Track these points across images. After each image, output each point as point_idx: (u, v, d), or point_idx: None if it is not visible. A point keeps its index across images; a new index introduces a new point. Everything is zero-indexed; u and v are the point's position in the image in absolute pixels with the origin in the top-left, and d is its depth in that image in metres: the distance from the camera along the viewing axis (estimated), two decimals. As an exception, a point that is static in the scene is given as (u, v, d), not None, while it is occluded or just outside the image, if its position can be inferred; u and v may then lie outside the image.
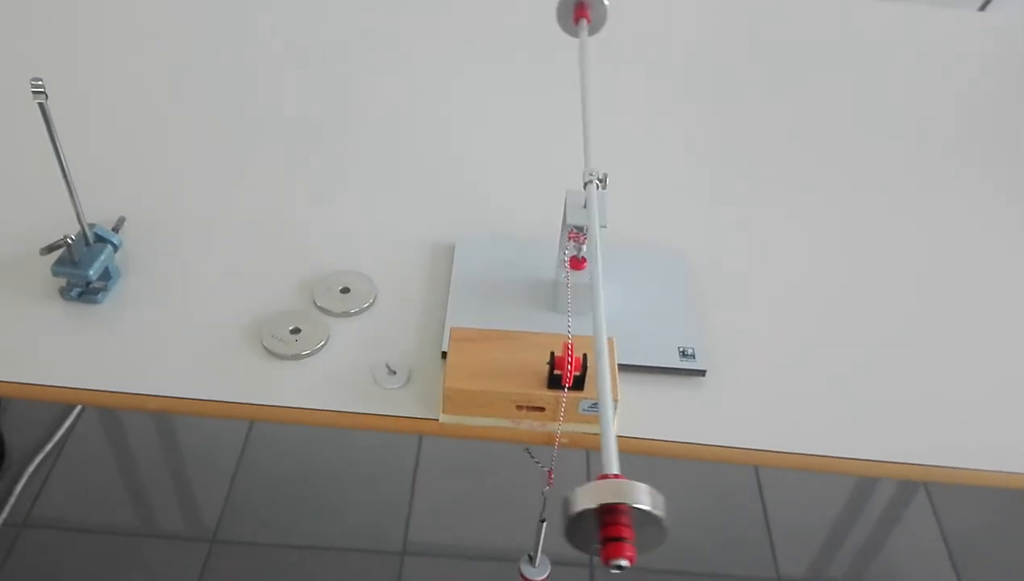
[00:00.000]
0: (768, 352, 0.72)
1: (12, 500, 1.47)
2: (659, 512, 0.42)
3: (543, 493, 0.67)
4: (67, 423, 1.60)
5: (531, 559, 0.72)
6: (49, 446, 1.55)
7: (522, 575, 0.71)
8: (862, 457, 0.65)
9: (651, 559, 1.46)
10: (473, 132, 0.94)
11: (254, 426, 1.63)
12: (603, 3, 0.75)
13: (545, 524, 0.70)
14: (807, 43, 1.13)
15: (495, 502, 1.53)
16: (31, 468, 1.51)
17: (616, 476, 0.44)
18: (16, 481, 1.49)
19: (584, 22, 0.75)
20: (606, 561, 0.41)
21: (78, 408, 1.62)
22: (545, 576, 0.71)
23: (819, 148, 0.96)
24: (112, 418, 1.65)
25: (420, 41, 1.09)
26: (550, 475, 0.66)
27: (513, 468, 1.58)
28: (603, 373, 0.51)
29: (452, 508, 1.52)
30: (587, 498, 0.42)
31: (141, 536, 1.45)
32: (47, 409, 1.62)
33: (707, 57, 1.10)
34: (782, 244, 0.83)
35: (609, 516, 0.41)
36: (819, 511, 1.56)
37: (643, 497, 0.42)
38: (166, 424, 1.65)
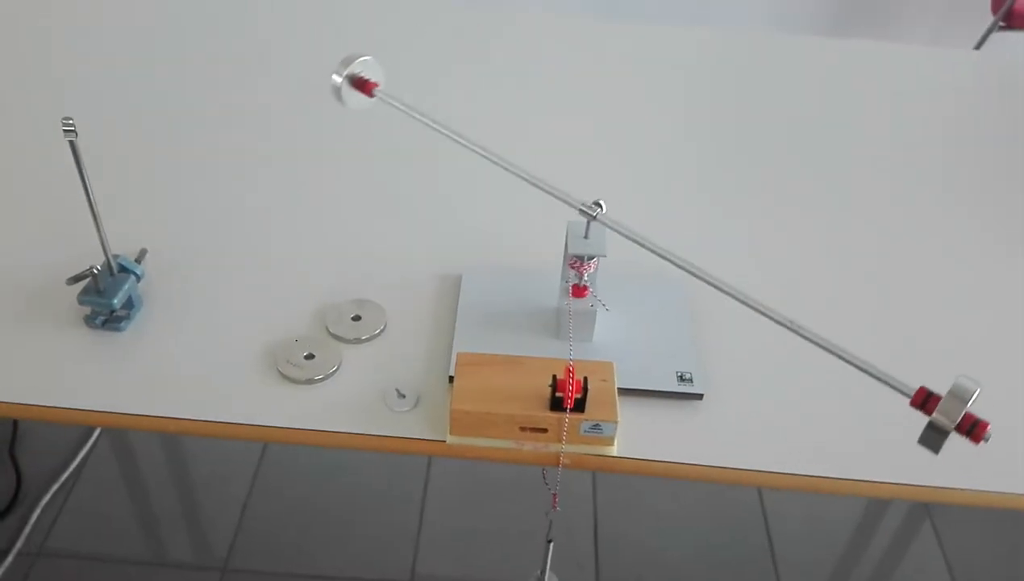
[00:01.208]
0: (764, 376, 0.75)
1: (27, 530, 1.49)
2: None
3: (548, 515, 0.70)
4: (82, 453, 1.62)
5: (539, 579, 0.74)
6: (64, 476, 1.58)
7: None
8: (857, 478, 0.67)
9: (657, 588, 1.47)
10: (480, 167, 0.98)
11: (265, 455, 1.65)
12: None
13: (552, 544, 0.72)
14: (810, 80, 1.17)
15: (502, 531, 1.54)
16: (46, 499, 1.54)
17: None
18: (31, 511, 1.52)
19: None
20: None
21: (93, 438, 1.65)
22: None
23: (817, 179, 0.99)
24: (125, 449, 1.67)
25: (433, 78, 1.13)
26: (554, 499, 0.69)
27: (519, 498, 1.59)
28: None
29: (459, 536, 1.53)
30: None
31: (154, 565, 1.47)
32: (62, 440, 1.65)
33: (706, 89, 1.14)
34: (780, 269, 0.86)
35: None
36: (825, 544, 1.57)
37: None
38: (178, 455, 1.67)
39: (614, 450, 0.67)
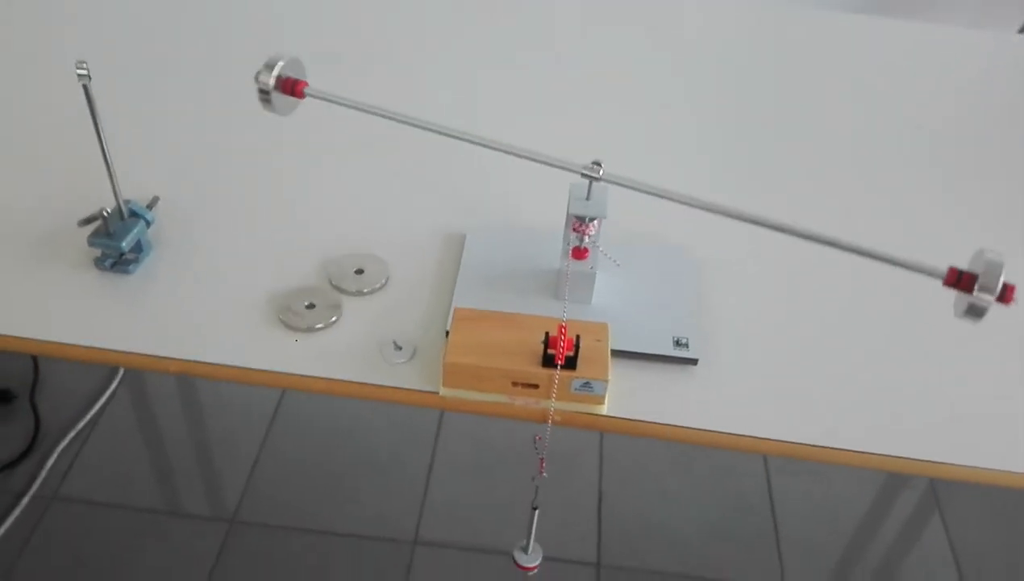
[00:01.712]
0: (761, 344, 0.75)
1: (43, 474, 1.53)
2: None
3: (534, 480, 0.70)
4: (100, 402, 1.66)
5: (524, 547, 0.74)
6: (81, 424, 1.62)
7: (515, 562, 0.74)
8: (849, 448, 0.67)
9: (653, 559, 1.48)
10: (488, 128, 0.99)
11: (278, 414, 1.68)
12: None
13: (537, 511, 0.72)
14: (826, 55, 1.16)
15: (506, 499, 1.56)
16: (63, 444, 1.58)
17: None
18: (48, 456, 1.56)
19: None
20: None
21: (112, 387, 1.69)
22: (537, 563, 0.74)
23: (821, 150, 0.98)
24: (143, 400, 1.71)
25: (439, 41, 1.13)
26: (541, 464, 0.69)
27: (524, 468, 1.61)
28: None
29: (464, 503, 1.55)
30: None
31: (164, 514, 1.51)
32: (81, 388, 1.69)
33: (717, 59, 1.13)
34: (779, 239, 0.86)
35: None
36: (830, 528, 1.56)
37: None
38: (194, 408, 1.71)
39: (604, 409, 0.67)
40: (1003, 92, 1.13)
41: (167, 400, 1.72)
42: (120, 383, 1.71)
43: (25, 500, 1.49)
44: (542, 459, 0.70)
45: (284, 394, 1.72)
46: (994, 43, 1.23)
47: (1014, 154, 1.01)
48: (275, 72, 0.69)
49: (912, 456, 0.67)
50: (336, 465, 1.60)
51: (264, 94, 0.70)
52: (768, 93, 1.09)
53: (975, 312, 0.58)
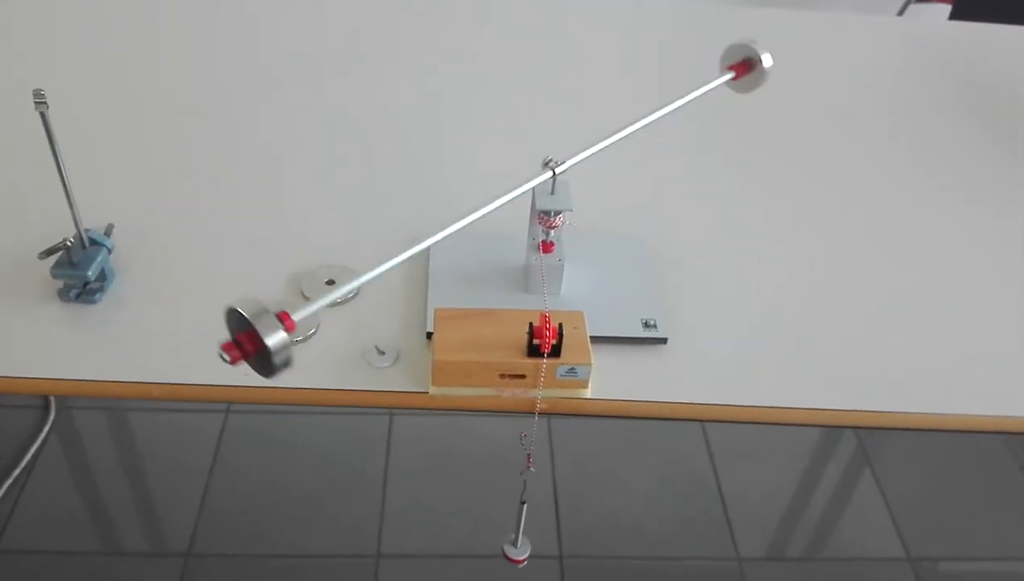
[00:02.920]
0: (722, 320, 0.80)
1: (-19, 527, 1.46)
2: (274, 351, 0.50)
3: (522, 475, 0.73)
4: (33, 447, 1.60)
5: (513, 541, 0.77)
6: (16, 471, 1.55)
7: (505, 555, 0.77)
8: (810, 406, 0.72)
9: (614, 546, 1.52)
10: (444, 134, 1.01)
11: (223, 437, 1.65)
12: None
13: (525, 506, 0.75)
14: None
15: (463, 502, 1.58)
16: (-1, 494, 1.51)
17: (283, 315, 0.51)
18: (-16, 508, 1.49)
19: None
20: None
21: (44, 433, 1.63)
22: (526, 555, 0.77)
23: (770, 136, 1.05)
24: (76, 441, 1.65)
25: (396, 49, 1.15)
26: (528, 459, 0.72)
27: (479, 471, 1.63)
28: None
29: (422, 512, 1.56)
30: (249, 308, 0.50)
31: (116, 555, 1.46)
32: (10, 434, 1.62)
33: (638, 59, 1.18)
34: (735, 221, 0.91)
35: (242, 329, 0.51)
36: (773, 499, 1.64)
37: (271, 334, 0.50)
38: (132, 443, 1.66)
39: (588, 393, 0.70)
40: (892, 73, 1.22)
41: (103, 439, 1.66)
42: (52, 426, 1.65)
43: (-36, 556, 1.42)
44: (528, 454, 0.72)
45: (227, 418, 1.69)
46: (876, 27, 1.33)
47: (902, 130, 1.10)
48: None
49: (863, 408, 0.73)
50: (289, 484, 1.59)
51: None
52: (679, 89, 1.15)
53: None
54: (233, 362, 0.52)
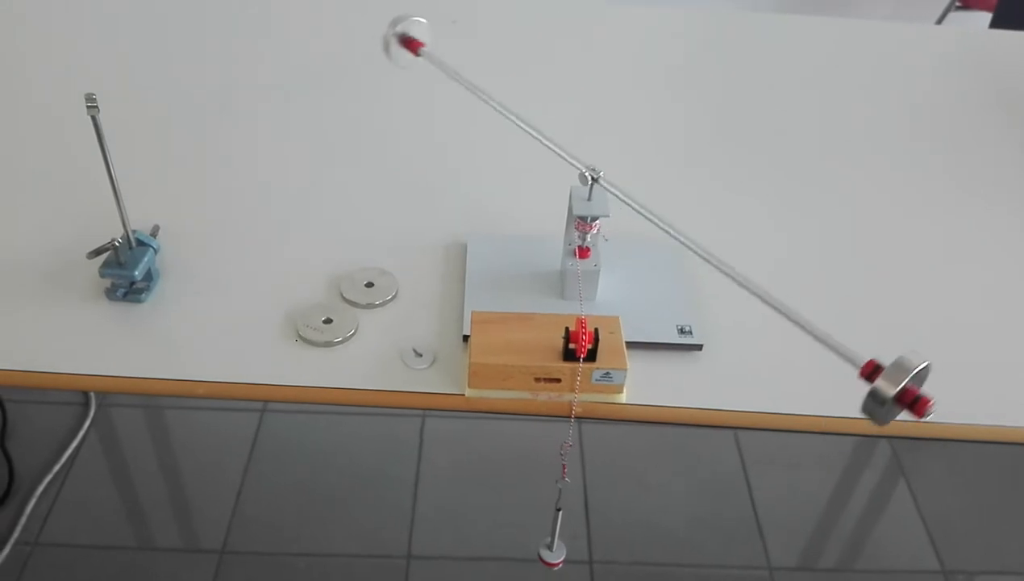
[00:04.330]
0: (758, 327, 0.79)
1: (23, 520, 1.50)
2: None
3: (557, 484, 0.74)
4: (73, 444, 1.63)
5: (549, 545, 0.78)
6: (57, 467, 1.59)
7: (541, 559, 0.78)
8: (845, 415, 0.72)
9: (644, 552, 1.52)
10: (479, 141, 1.02)
11: (258, 437, 1.68)
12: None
13: (560, 512, 0.76)
14: (766, 55, 1.23)
15: (494, 505, 1.58)
16: (40, 489, 1.55)
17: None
18: (26, 502, 1.53)
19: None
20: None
21: (84, 428, 1.66)
22: (561, 559, 0.78)
23: (810, 143, 1.04)
24: (116, 439, 1.69)
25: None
26: (563, 469, 0.73)
27: (509, 471, 1.63)
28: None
29: (453, 514, 1.57)
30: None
31: (152, 550, 1.49)
32: (52, 431, 1.66)
33: (672, 69, 1.19)
34: (773, 226, 0.91)
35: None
36: (805, 508, 1.63)
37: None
38: (169, 441, 1.69)
39: (623, 397, 0.71)
40: (937, 81, 1.21)
41: (141, 437, 1.69)
42: (92, 423, 1.68)
43: (6, 549, 1.45)
44: (564, 465, 0.73)
45: (262, 419, 1.72)
46: (915, 35, 1.32)
47: (946, 139, 1.09)
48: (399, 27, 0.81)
49: (898, 418, 0.72)
50: (322, 485, 1.61)
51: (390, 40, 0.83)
52: (714, 97, 1.15)
53: (872, 413, 0.56)
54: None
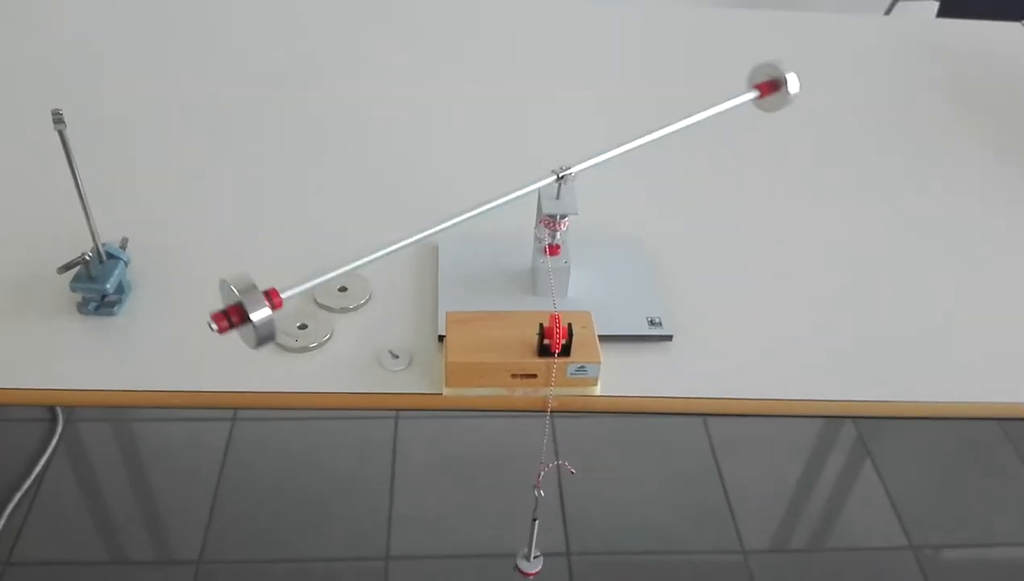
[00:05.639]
0: (725, 317, 0.82)
1: (-6, 540, 1.48)
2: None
3: (534, 492, 0.75)
4: (42, 461, 1.61)
5: (526, 555, 0.79)
6: (26, 484, 1.56)
7: (518, 569, 0.79)
8: (814, 398, 0.75)
9: (620, 542, 1.54)
10: (449, 143, 1.03)
11: (230, 446, 1.67)
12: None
13: (537, 522, 0.78)
14: (725, 51, 1.25)
15: (471, 502, 1.59)
16: (10, 507, 1.53)
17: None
18: (-5, 521, 1.50)
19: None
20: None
21: (52, 445, 1.64)
22: (538, 569, 0.79)
23: (766, 136, 1.07)
24: (85, 453, 1.67)
25: (396, 55, 1.17)
26: (538, 480, 0.74)
27: (484, 469, 1.65)
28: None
29: (431, 510, 1.58)
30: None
31: (128, 564, 1.48)
32: (19, 449, 1.63)
33: (625, 64, 1.21)
34: (736, 219, 0.94)
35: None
36: (775, 492, 1.66)
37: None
38: (139, 454, 1.67)
39: (597, 390, 0.72)
40: (896, 70, 1.25)
41: (110, 450, 1.68)
42: (60, 438, 1.66)
43: (-23, 569, 1.44)
44: (538, 476, 0.75)
45: (233, 427, 1.71)
46: (864, 26, 1.35)
47: (892, 127, 1.13)
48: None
49: (863, 398, 0.75)
50: (297, 490, 1.60)
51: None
52: (656, 91, 1.17)
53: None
54: (220, 331, 0.56)
